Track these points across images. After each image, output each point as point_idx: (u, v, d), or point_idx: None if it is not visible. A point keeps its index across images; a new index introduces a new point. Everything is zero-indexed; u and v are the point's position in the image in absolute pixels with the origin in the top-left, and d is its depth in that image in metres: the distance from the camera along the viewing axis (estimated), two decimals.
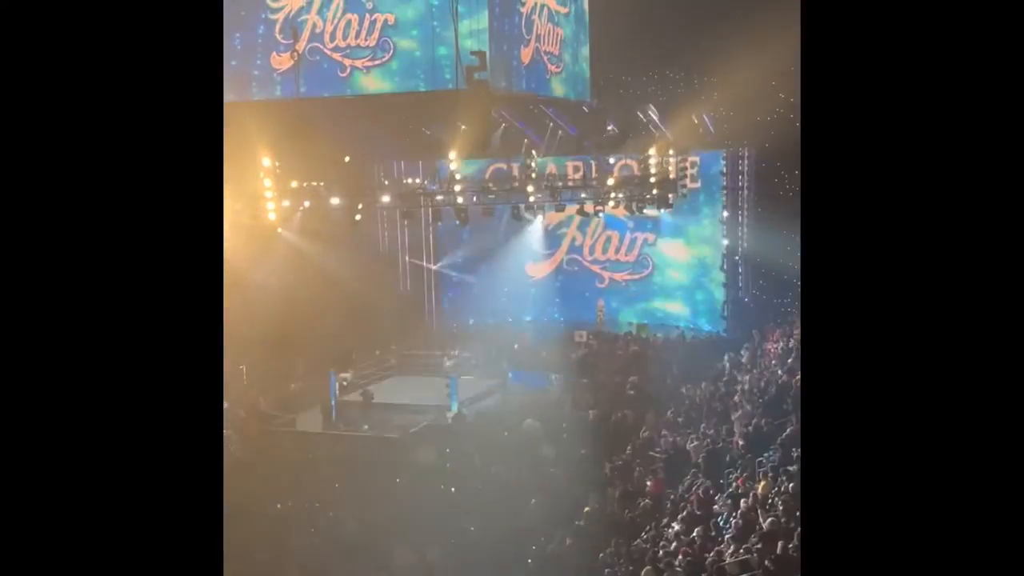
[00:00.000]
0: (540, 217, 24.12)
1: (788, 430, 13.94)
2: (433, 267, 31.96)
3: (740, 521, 11.42)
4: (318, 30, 20.15)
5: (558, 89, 22.29)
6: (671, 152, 23.25)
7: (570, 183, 23.66)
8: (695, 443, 16.04)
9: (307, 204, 20.16)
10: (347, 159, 21.74)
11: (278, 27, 20.27)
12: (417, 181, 23.26)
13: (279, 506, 14.19)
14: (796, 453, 12.58)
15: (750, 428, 15.70)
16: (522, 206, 21.13)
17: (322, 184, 21.06)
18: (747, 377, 20.71)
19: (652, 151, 22.32)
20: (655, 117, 24.99)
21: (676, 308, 30.23)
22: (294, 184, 20.23)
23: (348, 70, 20.06)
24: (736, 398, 19.09)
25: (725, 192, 28.86)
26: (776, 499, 11.53)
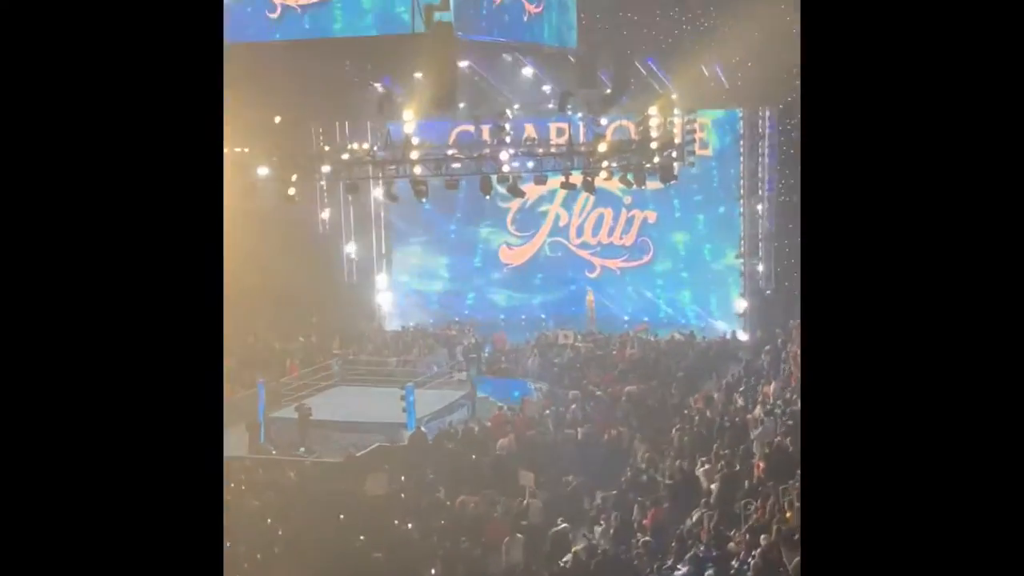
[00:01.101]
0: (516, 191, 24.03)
1: None
2: (384, 253, 31.93)
3: (760, 561, 11.47)
4: None
5: (538, 34, 22.23)
6: (676, 111, 23.27)
7: (553, 149, 23.64)
8: (706, 467, 16.11)
9: (227, 175, 20.03)
10: (278, 120, 21.62)
11: None
12: (364, 147, 23.13)
13: None
14: None
15: (772, 448, 15.78)
16: (494, 177, 21.08)
17: (247, 151, 20.91)
18: (769, 387, 20.83)
19: (653, 110, 22.31)
20: (656, 68, 25.03)
21: (683, 303, 30.39)
22: None
23: (278, 10, 19.83)
24: (756, 412, 19.21)
25: (743, 161, 28.99)
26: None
